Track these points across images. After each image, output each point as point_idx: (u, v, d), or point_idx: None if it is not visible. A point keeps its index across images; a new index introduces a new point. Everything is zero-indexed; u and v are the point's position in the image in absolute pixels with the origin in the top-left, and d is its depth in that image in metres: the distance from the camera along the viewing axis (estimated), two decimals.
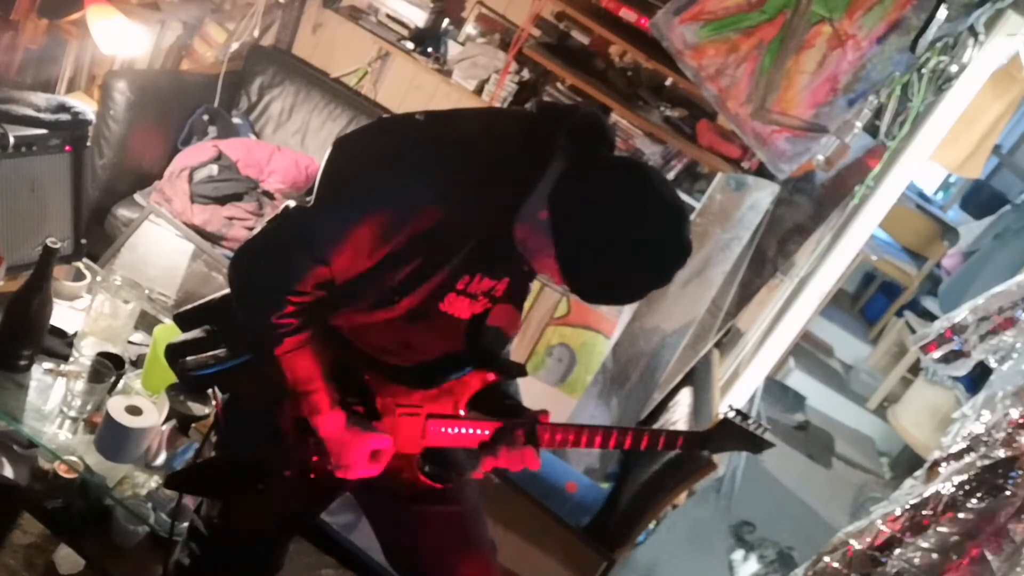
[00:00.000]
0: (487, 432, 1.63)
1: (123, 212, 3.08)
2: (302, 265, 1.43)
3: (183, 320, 1.67)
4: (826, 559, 2.17)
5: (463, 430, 1.63)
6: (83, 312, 2.29)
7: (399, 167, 1.41)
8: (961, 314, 2.29)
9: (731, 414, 1.58)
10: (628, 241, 1.37)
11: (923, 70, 2.74)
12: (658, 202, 1.39)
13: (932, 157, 3.19)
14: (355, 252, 1.42)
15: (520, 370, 1.73)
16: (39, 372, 2.11)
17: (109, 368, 2.05)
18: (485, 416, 1.64)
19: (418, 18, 3.50)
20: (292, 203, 1.46)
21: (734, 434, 1.58)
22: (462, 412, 1.65)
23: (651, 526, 2.91)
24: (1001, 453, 1.96)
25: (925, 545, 2.01)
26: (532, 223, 1.42)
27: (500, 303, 1.57)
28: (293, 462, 1.63)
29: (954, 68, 2.73)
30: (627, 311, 3.08)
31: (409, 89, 3.71)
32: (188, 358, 1.59)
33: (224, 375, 1.59)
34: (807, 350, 5.25)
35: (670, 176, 3.30)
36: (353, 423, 1.52)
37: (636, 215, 1.37)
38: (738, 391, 3.31)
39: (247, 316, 1.51)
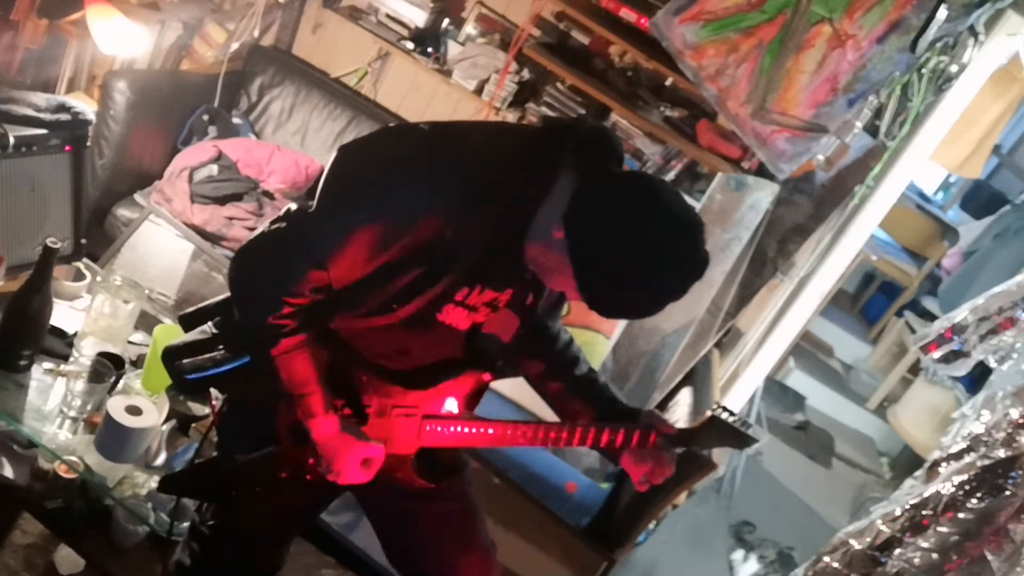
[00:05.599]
0: (486, 431, 1.63)
1: (123, 212, 3.08)
2: (300, 268, 1.43)
3: (187, 322, 1.67)
4: (826, 559, 2.17)
5: (459, 429, 1.63)
6: (83, 312, 2.29)
7: (401, 177, 1.41)
8: (961, 314, 2.30)
9: (719, 411, 1.58)
10: (647, 257, 1.36)
11: (923, 70, 2.74)
12: (674, 216, 1.38)
13: (932, 157, 3.19)
14: (353, 258, 1.42)
15: (515, 371, 1.73)
16: (39, 372, 2.11)
17: (109, 368, 2.04)
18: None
19: (418, 18, 3.50)
20: (294, 205, 1.46)
21: (722, 431, 1.58)
22: (455, 411, 1.65)
23: (651, 526, 2.91)
24: (1001, 453, 1.97)
25: (925, 545, 2.01)
26: (545, 241, 1.41)
27: (500, 311, 1.57)
28: (289, 464, 1.63)
29: (954, 68, 2.73)
30: None
31: (409, 89, 3.71)
32: (185, 360, 1.59)
33: (221, 377, 1.59)
34: (807, 350, 5.26)
35: (670, 176, 3.30)
36: (346, 429, 1.52)
37: (654, 231, 1.36)
38: (738, 391, 3.31)
39: (245, 316, 1.52)
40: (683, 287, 1.40)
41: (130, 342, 2.33)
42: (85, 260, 2.50)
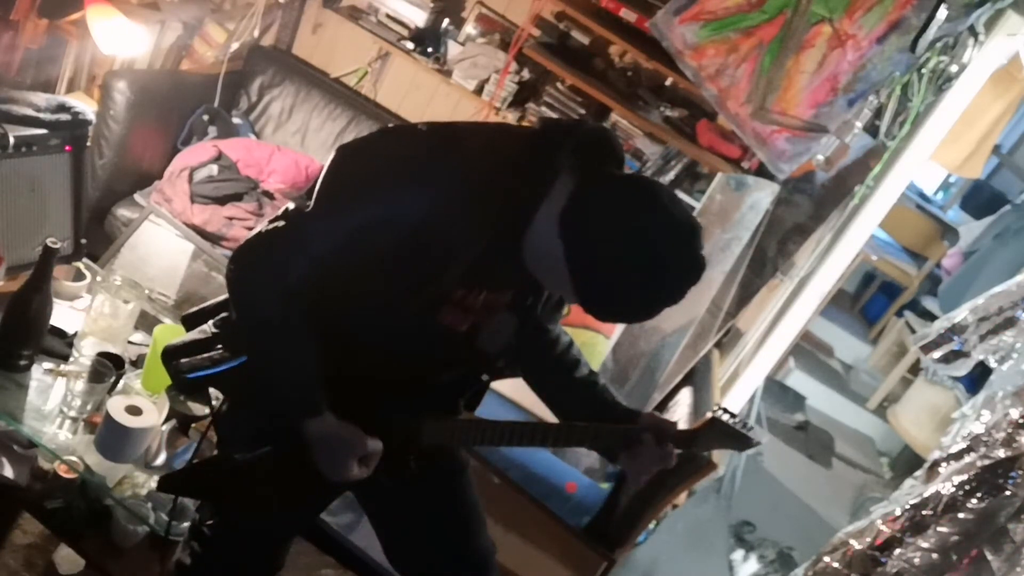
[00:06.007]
0: (486, 431, 1.62)
1: (123, 212, 3.08)
2: (297, 266, 1.43)
3: (190, 323, 1.67)
4: (826, 559, 2.18)
5: (460, 429, 1.62)
6: (83, 312, 2.29)
7: (399, 177, 1.40)
8: (961, 314, 2.30)
9: (719, 413, 1.58)
10: (643, 261, 1.35)
11: (923, 70, 2.74)
12: (672, 221, 1.37)
13: (932, 157, 3.19)
14: (350, 258, 1.42)
15: (514, 372, 1.72)
16: (39, 372, 2.10)
17: (109, 368, 2.04)
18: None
19: (418, 18, 3.50)
20: (292, 205, 1.46)
21: (722, 432, 1.58)
22: (455, 411, 1.65)
23: (651, 526, 2.91)
24: (1001, 453, 1.97)
25: (925, 545, 2.01)
26: (542, 242, 1.41)
27: (499, 313, 1.57)
28: (288, 464, 1.63)
29: (954, 68, 2.73)
30: None
31: (409, 89, 3.71)
32: (183, 360, 1.59)
33: (220, 377, 1.59)
34: (807, 350, 5.26)
35: (670, 176, 3.30)
36: (342, 426, 1.52)
37: (651, 234, 1.35)
38: (738, 391, 3.31)
39: (241, 314, 1.52)
40: (680, 291, 1.39)
41: (130, 342, 2.33)
42: (85, 260, 2.50)
